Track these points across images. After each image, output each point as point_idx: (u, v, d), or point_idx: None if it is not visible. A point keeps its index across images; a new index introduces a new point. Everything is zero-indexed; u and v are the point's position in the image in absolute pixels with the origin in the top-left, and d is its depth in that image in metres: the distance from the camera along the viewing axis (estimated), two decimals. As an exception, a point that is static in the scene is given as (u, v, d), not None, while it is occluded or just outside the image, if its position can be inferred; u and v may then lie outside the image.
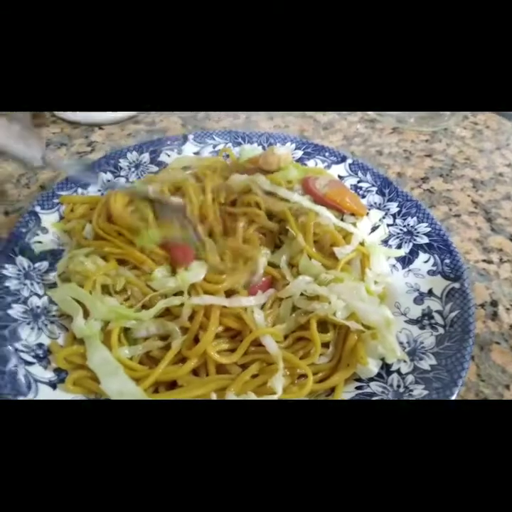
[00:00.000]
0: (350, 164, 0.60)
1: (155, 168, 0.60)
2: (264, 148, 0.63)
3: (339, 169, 0.60)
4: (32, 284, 0.44)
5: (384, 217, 0.54)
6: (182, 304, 0.40)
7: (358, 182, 0.58)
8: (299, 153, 0.62)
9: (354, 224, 0.50)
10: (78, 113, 0.77)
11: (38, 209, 0.50)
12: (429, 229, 0.51)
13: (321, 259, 0.46)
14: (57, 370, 0.38)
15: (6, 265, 0.44)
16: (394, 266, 0.50)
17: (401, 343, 0.42)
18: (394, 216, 0.54)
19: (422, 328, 0.43)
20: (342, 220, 0.50)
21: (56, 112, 0.78)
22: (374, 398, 0.38)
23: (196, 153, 0.62)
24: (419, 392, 0.37)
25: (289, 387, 0.38)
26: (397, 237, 0.52)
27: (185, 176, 0.54)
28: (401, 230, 0.52)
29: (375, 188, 0.57)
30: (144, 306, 0.40)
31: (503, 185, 0.71)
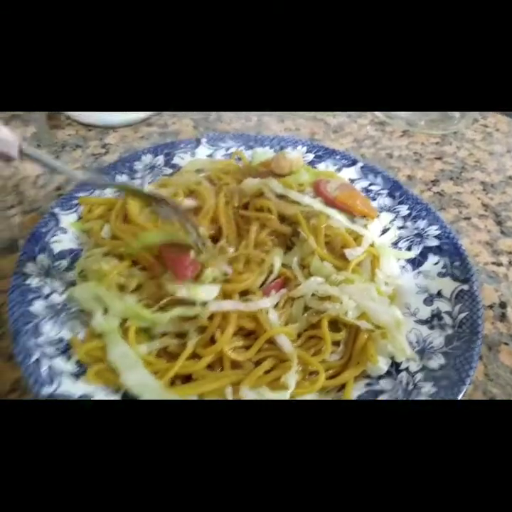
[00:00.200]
0: (361, 167, 0.61)
1: (169, 171, 0.61)
2: (275, 151, 0.64)
3: (350, 172, 0.61)
4: (52, 282, 0.45)
5: (394, 220, 0.55)
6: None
7: (369, 185, 0.59)
8: (310, 157, 0.63)
9: (365, 226, 0.51)
10: (92, 116, 0.79)
11: (57, 210, 0.51)
12: (439, 232, 0.52)
13: (332, 261, 0.47)
14: (78, 363, 0.40)
15: (28, 264, 0.45)
16: (404, 267, 0.51)
17: (410, 343, 0.43)
18: (404, 219, 0.55)
19: (431, 328, 0.44)
20: (353, 222, 0.51)
21: (71, 115, 0.80)
22: (383, 395, 0.39)
23: (209, 156, 0.63)
24: (427, 389, 0.38)
25: (301, 383, 0.40)
26: (407, 240, 0.53)
27: (199, 179, 0.56)
28: (411, 232, 0.53)
29: (385, 191, 0.58)
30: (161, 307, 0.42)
31: (512, 188, 0.72)
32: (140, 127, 0.81)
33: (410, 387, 0.39)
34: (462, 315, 0.43)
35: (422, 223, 0.54)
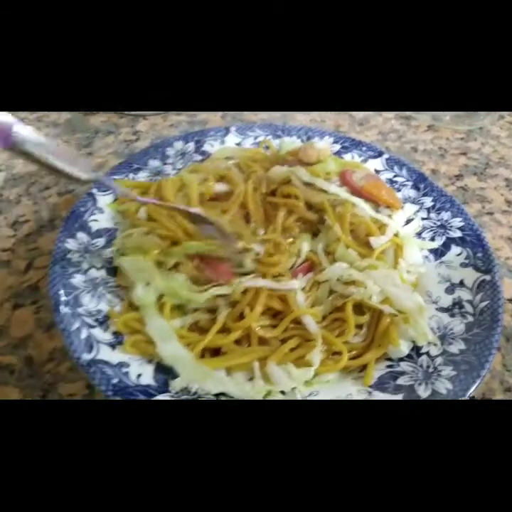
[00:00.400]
0: (386, 159, 0.62)
1: (199, 157, 0.63)
2: (302, 141, 0.65)
3: (376, 163, 0.62)
4: (91, 258, 0.48)
5: (418, 211, 0.56)
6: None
7: (394, 176, 0.60)
8: (337, 147, 0.64)
9: (389, 216, 0.53)
10: (124, 103, 0.81)
11: (94, 191, 0.54)
12: (462, 223, 0.53)
13: (357, 248, 0.49)
14: (115, 334, 0.42)
15: (69, 240, 0.48)
16: (426, 257, 0.52)
17: (431, 329, 0.44)
18: (428, 210, 0.56)
19: (452, 316, 0.45)
20: (377, 212, 0.53)
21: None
22: (403, 376, 0.41)
23: (238, 144, 0.65)
24: (447, 372, 0.39)
25: (324, 362, 0.42)
26: (431, 230, 0.54)
27: (229, 166, 0.58)
28: (435, 223, 0.55)
29: (410, 183, 0.59)
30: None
31: (537, 185, 0.72)
32: (169, 116, 0.83)
33: (431, 370, 0.41)
34: (483, 304, 0.45)
35: (445, 215, 0.55)
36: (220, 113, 0.85)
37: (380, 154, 0.63)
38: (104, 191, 0.55)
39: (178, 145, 0.64)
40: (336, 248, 0.48)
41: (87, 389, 0.43)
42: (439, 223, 0.54)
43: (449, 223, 0.54)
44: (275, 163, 0.57)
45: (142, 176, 0.59)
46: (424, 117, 0.85)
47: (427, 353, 0.42)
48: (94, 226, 0.51)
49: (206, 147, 0.64)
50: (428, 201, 0.57)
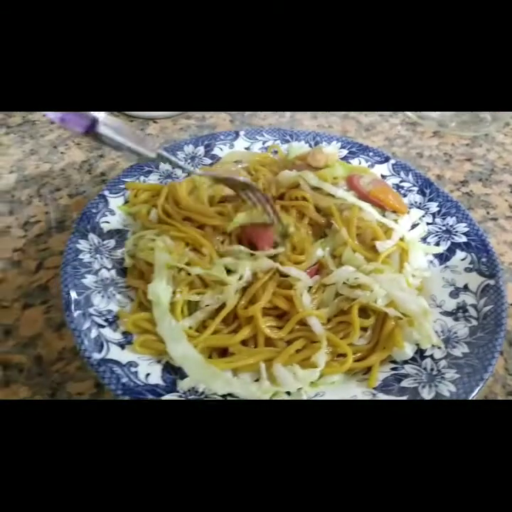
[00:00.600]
0: (393, 164, 0.63)
1: (209, 161, 0.64)
2: (310, 146, 0.66)
3: (382, 169, 0.63)
4: (102, 258, 0.49)
5: (424, 216, 0.57)
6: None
7: (400, 182, 0.61)
8: (344, 152, 0.65)
9: (395, 221, 0.53)
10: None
11: (106, 193, 0.55)
12: (467, 229, 0.54)
13: (363, 252, 0.49)
14: (125, 334, 0.43)
15: (80, 240, 0.49)
16: (431, 262, 0.53)
17: (436, 332, 0.45)
18: (433, 215, 0.57)
19: (456, 319, 0.46)
20: (384, 216, 0.53)
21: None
22: (407, 379, 0.41)
23: (247, 149, 0.66)
24: (451, 375, 0.40)
25: (329, 363, 0.42)
26: (436, 235, 0.55)
27: (238, 170, 0.59)
28: (440, 228, 0.55)
29: (416, 188, 0.60)
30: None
31: (542, 191, 0.72)
32: (179, 119, 0.84)
33: (434, 372, 0.41)
34: (487, 308, 0.45)
35: (450, 220, 0.55)
36: (229, 117, 0.86)
37: (386, 160, 0.64)
38: (116, 193, 0.56)
39: (189, 149, 0.65)
40: (342, 252, 0.49)
41: (96, 388, 0.44)
42: (444, 228, 0.55)
43: (454, 228, 0.55)
44: (283, 167, 0.58)
45: (153, 179, 0.60)
46: (430, 123, 0.86)
47: (431, 356, 0.43)
48: (106, 227, 0.52)
49: (216, 151, 0.66)
50: (434, 206, 0.58)
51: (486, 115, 0.87)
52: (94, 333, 0.42)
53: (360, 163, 0.64)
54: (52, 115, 0.38)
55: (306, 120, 0.86)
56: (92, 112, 0.39)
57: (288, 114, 0.87)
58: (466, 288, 0.48)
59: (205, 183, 0.54)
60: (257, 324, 0.43)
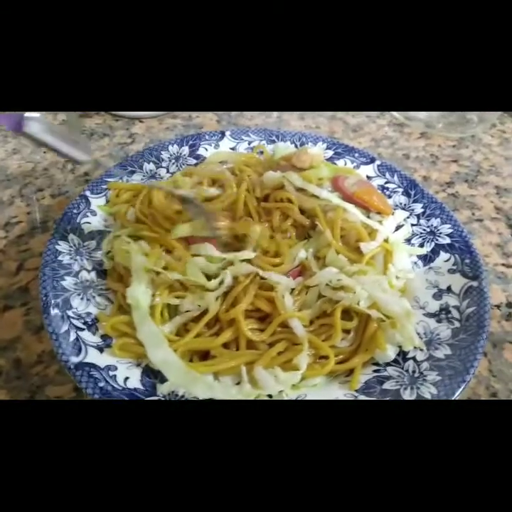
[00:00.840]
0: (378, 165, 0.63)
1: (193, 161, 0.64)
2: (296, 146, 0.66)
3: (367, 170, 0.63)
4: (82, 260, 0.48)
5: (408, 217, 0.57)
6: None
7: (385, 183, 0.61)
8: (330, 153, 0.65)
9: (380, 222, 0.53)
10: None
11: (88, 193, 0.54)
12: (451, 230, 0.54)
13: (347, 254, 0.49)
14: (104, 337, 0.43)
15: (60, 242, 0.48)
16: (415, 263, 0.52)
17: (418, 334, 0.44)
18: (418, 216, 0.57)
19: (439, 321, 0.46)
20: (368, 217, 0.53)
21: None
22: (389, 381, 0.41)
23: (232, 149, 0.66)
24: (432, 377, 0.40)
25: (311, 366, 0.42)
26: (420, 237, 0.55)
27: (223, 170, 0.58)
28: (424, 229, 0.55)
29: (401, 189, 0.60)
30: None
31: (527, 193, 0.73)
32: (165, 119, 0.84)
33: (416, 374, 0.41)
34: (470, 310, 0.45)
35: (435, 221, 0.55)
36: (215, 117, 0.85)
37: (372, 161, 0.63)
38: (98, 193, 0.56)
39: (173, 149, 0.64)
40: (326, 253, 0.49)
41: (75, 392, 0.44)
42: (428, 229, 0.55)
43: (438, 230, 0.55)
44: (268, 168, 0.57)
45: (136, 179, 0.59)
46: (417, 124, 0.86)
47: (414, 358, 0.43)
48: (87, 228, 0.52)
49: (201, 151, 0.65)
50: (418, 208, 0.58)
51: (473, 116, 0.87)
52: (72, 336, 0.41)
53: (345, 164, 0.63)
54: None
55: (294, 121, 0.86)
56: (20, 112, 0.39)
57: (275, 114, 0.87)
58: (449, 289, 0.48)
59: (189, 183, 0.53)
60: (239, 327, 0.42)
